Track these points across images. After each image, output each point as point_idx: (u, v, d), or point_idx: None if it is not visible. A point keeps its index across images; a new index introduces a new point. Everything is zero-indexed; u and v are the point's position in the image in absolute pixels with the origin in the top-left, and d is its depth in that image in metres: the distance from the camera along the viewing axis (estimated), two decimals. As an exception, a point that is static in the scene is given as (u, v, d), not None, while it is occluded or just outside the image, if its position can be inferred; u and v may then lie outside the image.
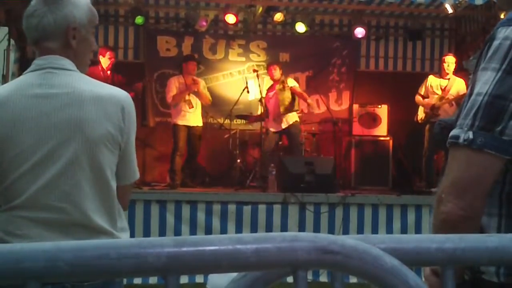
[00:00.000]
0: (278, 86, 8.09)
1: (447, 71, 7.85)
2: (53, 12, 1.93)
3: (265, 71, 9.24)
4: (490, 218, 1.35)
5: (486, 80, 1.30)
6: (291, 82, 8.23)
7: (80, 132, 1.87)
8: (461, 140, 1.30)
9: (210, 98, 8.09)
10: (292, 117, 8.13)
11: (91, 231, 1.90)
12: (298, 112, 8.28)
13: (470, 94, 1.33)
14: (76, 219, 1.89)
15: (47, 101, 1.88)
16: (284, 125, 8.12)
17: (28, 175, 1.87)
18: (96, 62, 7.73)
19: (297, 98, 8.11)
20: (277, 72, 8.12)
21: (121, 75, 7.79)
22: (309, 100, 8.32)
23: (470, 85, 1.35)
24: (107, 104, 1.92)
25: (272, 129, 8.18)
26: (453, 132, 1.33)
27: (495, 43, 1.31)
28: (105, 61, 7.64)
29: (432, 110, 7.87)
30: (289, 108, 8.07)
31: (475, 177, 1.30)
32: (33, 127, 1.87)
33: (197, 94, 7.96)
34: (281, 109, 8.04)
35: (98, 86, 1.98)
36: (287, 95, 8.05)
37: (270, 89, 8.31)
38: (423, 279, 1.44)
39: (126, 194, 2.10)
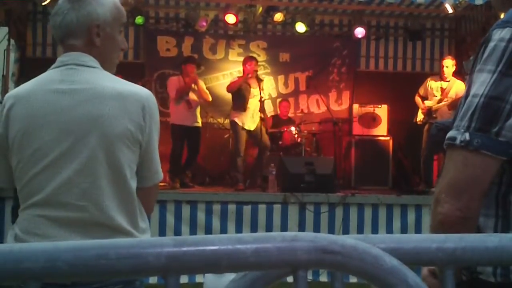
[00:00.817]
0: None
1: (446, 74, 7.85)
2: (76, 10, 1.93)
3: (266, 71, 9.26)
4: (487, 219, 1.36)
5: (482, 82, 1.30)
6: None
7: (98, 129, 1.85)
8: (457, 142, 1.30)
9: (210, 97, 8.08)
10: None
11: (112, 231, 1.87)
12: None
13: (467, 96, 1.33)
14: (96, 218, 1.86)
15: (67, 97, 1.87)
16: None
17: (47, 171, 1.85)
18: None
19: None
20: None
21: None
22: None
23: (467, 87, 1.36)
24: (127, 101, 1.90)
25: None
26: (450, 133, 1.34)
27: (491, 44, 1.32)
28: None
29: (429, 113, 7.89)
30: None
31: (471, 178, 1.30)
32: (52, 123, 1.85)
33: (196, 92, 7.95)
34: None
35: (120, 83, 1.96)
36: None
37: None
38: (422, 280, 1.44)
39: (150, 196, 2.05)
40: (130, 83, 2.01)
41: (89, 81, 1.90)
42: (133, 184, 1.94)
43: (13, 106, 1.90)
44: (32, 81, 1.97)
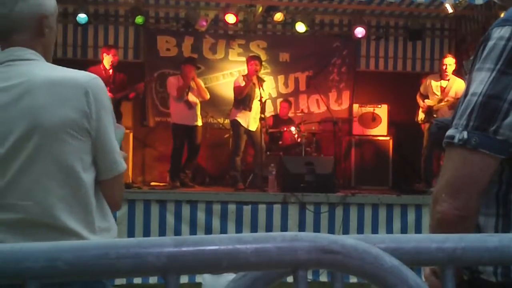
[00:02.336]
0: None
1: (446, 72, 7.86)
2: (26, 0, 1.80)
3: (266, 71, 9.26)
4: (488, 218, 1.36)
5: (480, 80, 1.30)
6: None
7: (35, 122, 1.72)
8: (456, 140, 1.31)
9: (208, 94, 8.08)
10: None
11: (58, 232, 1.74)
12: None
13: (466, 94, 1.33)
14: (39, 219, 1.73)
15: (3, 95, 1.74)
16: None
17: None
18: (98, 62, 7.74)
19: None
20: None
21: (122, 74, 7.80)
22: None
23: (466, 85, 1.36)
24: (64, 88, 1.76)
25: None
26: (449, 132, 1.34)
27: (490, 43, 1.32)
28: (107, 59, 7.65)
29: (429, 113, 7.89)
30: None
31: (469, 176, 1.31)
32: None
33: (195, 90, 7.95)
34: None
35: (57, 70, 1.82)
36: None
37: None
38: (423, 279, 1.44)
39: (112, 190, 1.88)
40: (71, 69, 1.86)
41: (23, 75, 1.76)
42: (87, 176, 1.79)
43: None
44: None
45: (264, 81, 8.07)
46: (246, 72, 8.03)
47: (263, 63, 9.28)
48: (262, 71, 8.88)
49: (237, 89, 7.86)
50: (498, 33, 1.31)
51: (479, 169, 1.30)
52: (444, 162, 1.36)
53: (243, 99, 7.80)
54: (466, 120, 1.30)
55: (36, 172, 1.74)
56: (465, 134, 1.30)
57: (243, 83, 7.80)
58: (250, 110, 7.80)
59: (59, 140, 1.74)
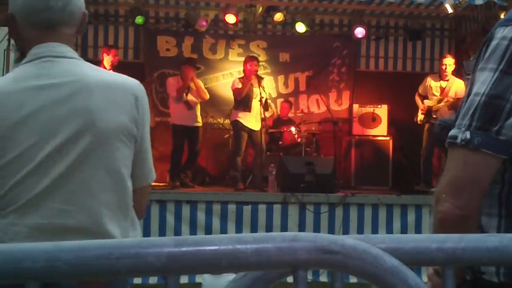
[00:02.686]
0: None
1: (446, 72, 7.85)
2: None
3: (266, 71, 9.26)
4: (490, 218, 1.36)
5: (483, 80, 1.30)
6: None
7: (89, 124, 1.64)
8: (458, 140, 1.31)
9: (207, 94, 8.08)
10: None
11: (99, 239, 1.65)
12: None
13: (468, 95, 1.33)
14: (82, 224, 1.64)
15: (48, 93, 1.65)
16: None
17: (30, 177, 1.62)
18: (98, 62, 7.74)
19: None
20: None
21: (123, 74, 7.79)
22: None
23: (469, 86, 1.35)
24: (117, 92, 1.71)
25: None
26: (451, 132, 1.34)
27: (493, 43, 1.31)
28: (108, 59, 7.64)
29: (429, 113, 7.89)
30: None
31: (472, 176, 1.31)
32: (34, 124, 1.63)
33: (194, 90, 7.96)
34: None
35: (106, 73, 1.78)
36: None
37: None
38: (426, 278, 1.44)
39: (143, 198, 1.86)
40: (115, 73, 1.83)
41: (70, 73, 1.68)
42: (130, 185, 1.75)
43: None
44: (4, 79, 1.74)
45: (262, 78, 8.07)
46: (242, 73, 8.04)
47: (263, 63, 9.29)
48: (262, 71, 8.90)
49: (236, 91, 7.86)
50: (501, 33, 1.31)
51: (481, 169, 1.30)
52: (447, 162, 1.36)
53: (242, 100, 7.81)
54: (469, 120, 1.30)
55: (83, 176, 1.65)
56: (467, 134, 1.29)
57: (239, 85, 7.81)
58: (250, 111, 7.80)
59: (110, 145, 1.68)
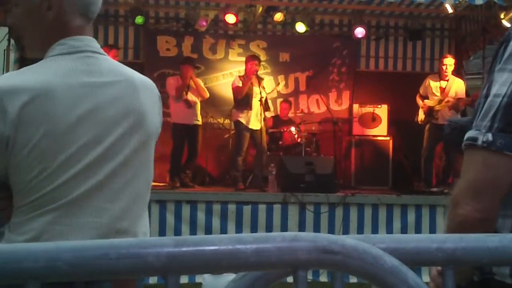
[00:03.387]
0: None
1: (446, 72, 7.86)
2: None
3: (266, 71, 9.25)
4: (504, 219, 1.33)
5: (504, 82, 1.27)
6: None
7: (140, 126, 1.65)
8: (479, 142, 1.27)
9: (207, 93, 8.10)
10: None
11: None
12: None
13: (487, 95, 1.30)
14: (121, 224, 1.63)
15: (102, 92, 1.61)
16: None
17: (79, 176, 1.58)
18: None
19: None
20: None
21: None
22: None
23: (486, 86, 1.32)
24: (152, 92, 1.74)
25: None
26: (470, 133, 1.30)
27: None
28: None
29: (430, 113, 7.89)
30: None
31: (493, 179, 1.28)
32: (87, 123, 1.58)
33: (193, 89, 7.96)
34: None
35: (136, 72, 1.75)
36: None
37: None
38: (427, 279, 1.43)
39: None
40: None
41: (118, 72, 1.67)
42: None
43: (29, 103, 1.52)
44: (43, 71, 1.60)
45: (262, 79, 8.09)
46: (243, 72, 8.05)
47: (263, 63, 9.29)
48: (262, 71, 8.90)
49: (236, 90, 7.87)
50: None
51: (503, 171, 1.27)
52: (465, 164, 1.32)
53: (243, 99, 7.82)
54: (490, 122, 1.27)
55: (127, 176, 1.65)
56: (489, 136, 1.26)
57: (240, 83, 7.82)
58: (251, 109, 7.81)
59: (149, 146, 1.71)
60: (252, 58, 7.97)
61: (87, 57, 1.63)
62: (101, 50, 1.69)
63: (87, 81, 1.60)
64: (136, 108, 1.65)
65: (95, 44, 1.67)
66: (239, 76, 8.03)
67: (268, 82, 8.84)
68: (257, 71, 7.88)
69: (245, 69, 7.96)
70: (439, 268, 1.36)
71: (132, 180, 1.66)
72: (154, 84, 1.78)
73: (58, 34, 1.63)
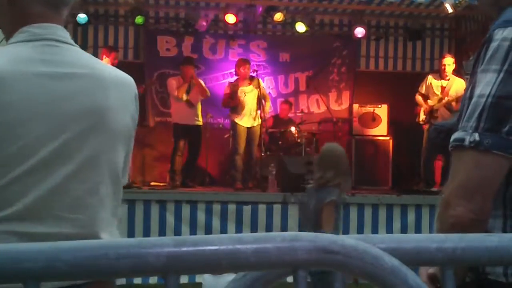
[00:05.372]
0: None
1: (446, 72, 7.86)
2: None
3: (266, 71, 9.26)
4: (495, 219, 1.34)
5: (487, 82, 1.29)
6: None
7: (103, 124, 1.51)
8: (466, 143, 1.28)
9: (208, 92, 8.12)
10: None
11: None
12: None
13: (471, 97, 1.31)
14: (87, 235, 1.48)
15: (61, 84, 1.48)
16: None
17: (30, 176, 1.44)
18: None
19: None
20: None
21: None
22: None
23: (469, 88, 1.33)
24: (126, 90, 1.60)
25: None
26: (456, 135, 1.31)
27: (493, 44, 1.31)
28: (106, 62, 7.62)
29: (430, 113, 7.89)
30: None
31: (483, 179, 1.28)
32: (42, 115, 1.45)
33: (194, 89, 7.98)
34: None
35: (111, 67, 1.65)
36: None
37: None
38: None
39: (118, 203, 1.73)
40: (116, 68, 1.68)
41: (83, 64, 1.53)
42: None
43: None
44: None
45: (255, 78, 8.12)
46: (235, 76, 8.19)
47: (263, 63, 9.32)
48: (262, 71, 8.92)
49: (224, 98, 8.10)
50: (501, 34, 1.30)
51: (493, 171, 1.28)
52: (453, 165, 1.33)
53: (234, 102, 7.96)
54: (476, 122, 1.28)
55: (90, 180, 1.51)
56: (476, 136, 1.27)
57: (228, 90, 8.03)
58: (242, 109, 7.89)
59: (116, 148, 1.56)
60: (244, 62, 8.03)
61: (49, 46, 1.51)
62: (70, 40, 1.56)
63: (45, 71, 1.48)
64: (101, 105, 1.51)
65: (62, 33, 1.54)
66: (229, 83, 8.18)
67: (268, 82, 8.85)
68: (249, 74, 7.96)
69: (237, 73, 8.04)
70: (430, 272, 1.36)
71: (98, 186, 1.52)
72: (132, 82, 1.64)
73: (19, 22, 1.53)
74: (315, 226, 3.86)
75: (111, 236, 1.56)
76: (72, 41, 1.57)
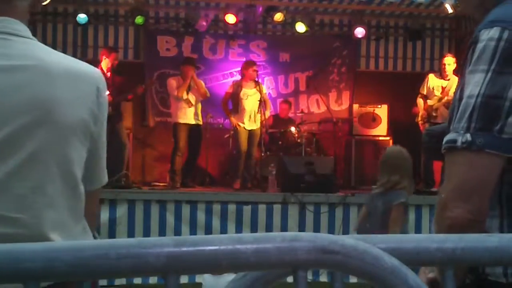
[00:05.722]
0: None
1: (447, 72, 7.87)
2: None
3: (266, 71, 9.26)
4: (491, 219, 1.34)
5: (476, 82, 1.29)
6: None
7: (49, 117, 1.43)
8: (459, 143, 1.29)
9: (208, 93, 8.12)
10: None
11: None
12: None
13: (460, 98, 1.32)
14: (31, 236, 1.38)
15: (4, 76, 1.42)
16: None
17: None
18: (97, 62, 7.73)
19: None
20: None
21: (121, 77, 7.78)
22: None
23: (459, 89, 1.34)
24: (80, 82, 1.51)
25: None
26: (449, 136, 1.32)
27: (480, 45, 1.31)
28: (106, 62, 7.62)
29: (429, 112, 7.89)
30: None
31: (479, 179, 1.29)
32: None
33: (194, 89, 7.98)
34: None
35: (67, 59, 1.56)
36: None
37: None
38: None
39: (95, 203, 1.67)
40: (76, 59, 1.59)
41: (30, 56, 1.46)
42: (83, 189, 1.54)
43: None
44: None
45: (259, 82, 8.12)
46: (239, 77, 8.15)
47: (263, 63, 9.32)
48: (262, 71, 8.93)
49: (224, 98, 8.11)
50: (487, 35, 1.31)
51: (487, 170, 1.28)
52: (448, 167, 1.33)
53: (234, 103, 7.94)
54: (467, 123, 1.29)
55: (35, 178, 1.42)
56: (468, 136, 1.28)
57: (231, 90, 8.02)
58: (242, 112, 7.87)
59: (67, 143, 1.47)
60: (252, 64, 8.02)
61: None
62: (26, 33, 1.50)
63: None
64: (47, 98, 1.43)
65: (13, 26, 1.47)
66: (233, 82, 8.16)
67: (268, 82, 8.85)
68: (255, 76, 7.93)
69: (244, 74, 7.99)
70: (429, 276, 1.36)
71: (44, 185, 1.43)
72: (95, 74, 1.57)
73: None
74: (382, 228, 4.00)
75: (69, 238, 1.46)
76: (28, 35, 1.50)
